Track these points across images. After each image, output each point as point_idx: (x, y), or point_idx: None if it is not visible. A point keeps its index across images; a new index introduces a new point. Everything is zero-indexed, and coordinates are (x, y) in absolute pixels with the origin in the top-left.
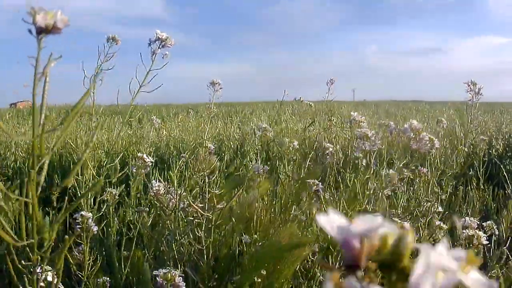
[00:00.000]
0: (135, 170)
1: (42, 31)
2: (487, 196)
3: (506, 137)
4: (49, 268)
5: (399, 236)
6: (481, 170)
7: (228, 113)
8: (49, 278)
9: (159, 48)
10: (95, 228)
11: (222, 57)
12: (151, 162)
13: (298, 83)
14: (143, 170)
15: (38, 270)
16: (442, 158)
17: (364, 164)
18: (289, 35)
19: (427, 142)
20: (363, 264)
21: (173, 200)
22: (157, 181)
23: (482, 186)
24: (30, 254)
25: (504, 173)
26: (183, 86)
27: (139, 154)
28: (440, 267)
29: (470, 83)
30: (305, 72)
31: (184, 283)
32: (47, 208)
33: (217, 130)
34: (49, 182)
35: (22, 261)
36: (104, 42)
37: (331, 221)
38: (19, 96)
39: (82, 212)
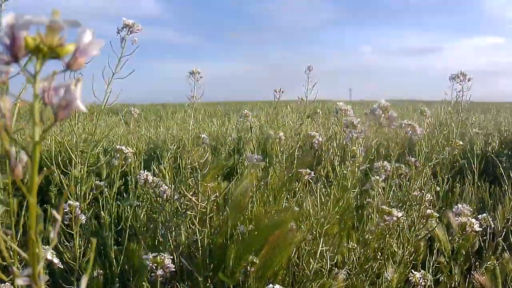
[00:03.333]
0: (116, 162)
1: None
2: (484, 193)
3: (505, 135)
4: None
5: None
6: (475, 163)
7: (226, 111)
8: (49, 257)
9: (128, 34)
10: (83, 217)
11: (218, 56)
12: (131, 153)
13: (294, 82)
14: (124, 161)
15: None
16: (430, 148)
17: (354, 154)
18: (282, 33)
19: (395, 118)
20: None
21: (168, 192)
22: (145, 171)
23: (478, 183)
24: None
25: (501, 169)
26: (179, 85)
27: (117, 146)
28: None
29: (460, 75)
30: (300, 71)
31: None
32: (45, 205)
33: (214, 128)
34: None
35: None
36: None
37: None
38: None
39: (70, 202)
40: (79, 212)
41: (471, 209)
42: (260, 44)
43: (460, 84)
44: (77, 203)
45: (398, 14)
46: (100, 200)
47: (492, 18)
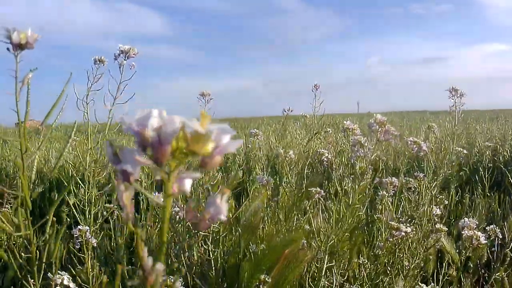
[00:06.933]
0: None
1: (18, 47)
2: (493, 203)
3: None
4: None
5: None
6: (484, 175)
7: (233, 128)
8: (66, 282)
9: (124, 60)
10: (94, 241)
11: (225, 71)
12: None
13: (301, 96)
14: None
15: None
16: (438, 163)
17: (362, 171)
18: (288, 47)
19: (393, 132)
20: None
21: (180, 213)
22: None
23: (488, 193)
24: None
25: (510, 179)
26: (187, 101)
27: None
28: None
29: (451, 90)
30: (307, 85)
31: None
32: (57, 226)
33: None
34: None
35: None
36: (92, 65)
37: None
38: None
39: (79, 227)
40: (90, 236)
41: (477, 222)
42: (265, 59)
43: (453, 99)
44: (87, 228)
45: (403, 24)
46: (111, 222)
47: (496, 25)
